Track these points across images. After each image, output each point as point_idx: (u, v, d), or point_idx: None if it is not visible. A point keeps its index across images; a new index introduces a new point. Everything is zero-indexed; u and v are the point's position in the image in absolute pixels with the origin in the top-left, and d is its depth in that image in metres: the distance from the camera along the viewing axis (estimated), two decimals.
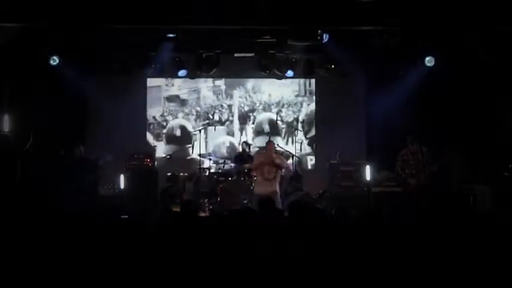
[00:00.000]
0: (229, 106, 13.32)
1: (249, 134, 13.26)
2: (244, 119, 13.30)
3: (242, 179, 11.01)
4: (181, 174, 12.01)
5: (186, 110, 13.24)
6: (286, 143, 13.06)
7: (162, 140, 13.25)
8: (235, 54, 12.25)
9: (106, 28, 10.11)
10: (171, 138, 13.24)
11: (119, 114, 12.15)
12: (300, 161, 12.68)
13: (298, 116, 13.27)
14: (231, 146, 13.18)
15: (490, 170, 10.69)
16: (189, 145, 12.90)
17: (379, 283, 4.49)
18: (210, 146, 13.08)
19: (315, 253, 4.71)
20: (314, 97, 13.25)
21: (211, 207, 11.05)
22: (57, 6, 9.36)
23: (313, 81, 13.14)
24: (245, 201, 10.47)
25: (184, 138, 13.18)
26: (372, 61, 11.65)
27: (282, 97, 13.30)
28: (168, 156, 12.47)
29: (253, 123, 13.32)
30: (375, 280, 4.50)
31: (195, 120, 13.15)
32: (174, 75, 12.51)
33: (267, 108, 13.33)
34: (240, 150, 12.27)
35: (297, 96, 13.33)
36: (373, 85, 12.30)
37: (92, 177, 10.44)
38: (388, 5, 9.50)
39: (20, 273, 4.53)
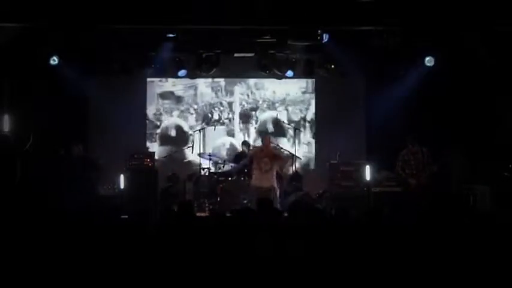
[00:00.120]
0: (230, 104, 12.66)
1: (251, 135, 12.65)
2: (246, 118, 12.69)
3: (242, 179, 10.99)
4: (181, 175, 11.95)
5: (182, 108, 12.55)
6: (293, 145, 12.25)
7: (155, 141, 12.53)
8: (235, 54, 12.18)
9: (106, 28, 10.11)
10: (165, 139, 12.60)
11: (119, 114, 12.10)
12: (301, 161, 12.59)
13: (305, 115, 12.68)
14: (232, 148, 12.57)
15: (490, 170, 10.70)
16: (186, 146, 12.31)
17: (379, 283, 4.50)
18: (209, 148, 12.42)
19: (314, 253, 4.71)
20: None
21: (211, 207, 11.05)
22: (57, 6, 9.37)
23: None
24: (245, 201, 10.45)
25: (180, 139, 12.55)
26: (372, 61, 11.64)
27: (287, 94, 12.60)
28: (163, 158, 12.14)
29: (256, 122, 12.69)
30: (375, 280, 4.50)
31: (196, 120, 12.63)
32: (174, 75, 12.39)
33: (271, 106, 12.61)
34: (240, 150, 12.16)
35: (304, 93, 12.64)
36: (373, 85, 12.29)
37: (93, 175, 10.44)
38: (388, 5, 9.50)
39: (20, 273, 4.53)
